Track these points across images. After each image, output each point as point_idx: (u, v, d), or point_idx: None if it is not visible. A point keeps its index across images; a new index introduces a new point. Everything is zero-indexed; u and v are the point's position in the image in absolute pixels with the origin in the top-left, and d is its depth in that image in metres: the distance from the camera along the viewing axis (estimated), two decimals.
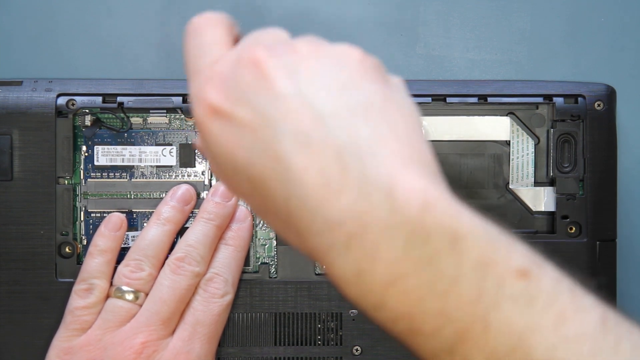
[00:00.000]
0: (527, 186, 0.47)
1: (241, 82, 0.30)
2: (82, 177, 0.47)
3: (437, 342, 0.28)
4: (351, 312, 0.46)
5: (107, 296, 0.44)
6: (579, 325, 0.27)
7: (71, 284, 0.44)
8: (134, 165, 0.47)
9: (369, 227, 0.27)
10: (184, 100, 0.46)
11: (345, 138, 0.28)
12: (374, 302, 0.28)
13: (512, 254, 0.28)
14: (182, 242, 0.45)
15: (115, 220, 0.45)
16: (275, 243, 0.47)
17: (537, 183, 0.47)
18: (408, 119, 0.30)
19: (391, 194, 0.27)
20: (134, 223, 0.47)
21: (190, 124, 0.47)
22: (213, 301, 0.44)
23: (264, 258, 0.47)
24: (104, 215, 0.46)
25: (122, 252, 0.45)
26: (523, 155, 0.47)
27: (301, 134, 0.28)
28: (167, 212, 0.45)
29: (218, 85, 0.31)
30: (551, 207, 0.47)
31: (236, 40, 0.34)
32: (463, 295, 0.27)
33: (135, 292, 0.44)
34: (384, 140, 0.28)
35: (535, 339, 0.27)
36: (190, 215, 0.46)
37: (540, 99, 0.47)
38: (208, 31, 0.33)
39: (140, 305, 0.43)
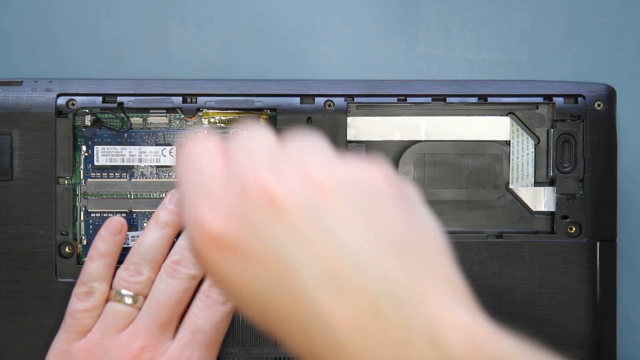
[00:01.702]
0: (527, 186, 0.47)
1: (249, 213, 0.27)
2: (82, 177, 0.47)
3: None
4: None
5: (107, 299, 0.44)
6: None
7: (71, 284, 0.44)
8: (134, 165, 0.47)
9: None
10: (184, 100, 0.46)
11: (378, 280, 0.26)
12: None
13: None
14: (178, 245, 0.44)
15: (115, 223, 0.45)
16: None
17: (537, 183, 0.47)
18: (437, 248, 0.29)
19: (436, 338, 0.26)
20: (133, 223, 0.47)
21: (190, 124, 0.47)
22: (214, 308, 0.43)
23: None
24: (104, 215, 0.46)
25: (123, 253, 0.45)
26: (523, 155, 0.47)
27: (327, 274, 0.27)
28: (165, 215, 0.45)
29: (220, 212, 0.28)
30: (551, 207, 0.47)
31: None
32: None
33: (134, 296, 0.43)
34: (419, 278, 0.27)
35: None
36: None
37: (540, 99, 0.47)
38: (202, 157, 0.30)
39: (139, 309, 0.43)
